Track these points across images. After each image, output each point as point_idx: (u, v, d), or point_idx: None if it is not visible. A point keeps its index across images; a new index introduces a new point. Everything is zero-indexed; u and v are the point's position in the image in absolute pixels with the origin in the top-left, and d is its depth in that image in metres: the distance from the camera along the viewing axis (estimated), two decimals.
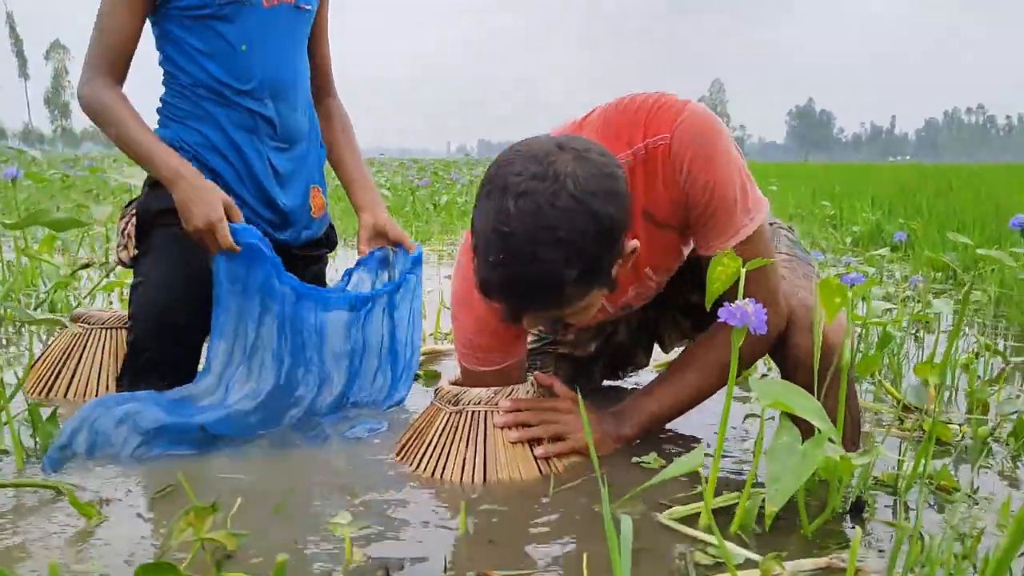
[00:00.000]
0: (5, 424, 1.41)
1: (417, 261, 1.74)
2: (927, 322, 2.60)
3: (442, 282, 3.39)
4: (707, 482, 1.13)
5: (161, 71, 1.67)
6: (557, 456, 1.35)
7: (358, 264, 1.75)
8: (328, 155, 1.86)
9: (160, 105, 1.68)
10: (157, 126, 1.66)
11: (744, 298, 1.11)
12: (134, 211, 1.67)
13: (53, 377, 1.75)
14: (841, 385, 1.24)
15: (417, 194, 7.16)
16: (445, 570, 1.00)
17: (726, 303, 1.09)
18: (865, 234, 5.10)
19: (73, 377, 1.74)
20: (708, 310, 1.17)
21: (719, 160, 1.23)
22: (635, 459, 1.39)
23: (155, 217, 1.63)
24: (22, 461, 1.34)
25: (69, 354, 1.77)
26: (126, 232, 1.65)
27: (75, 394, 1.73)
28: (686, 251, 1.40)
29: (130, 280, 1.68)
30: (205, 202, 1.48)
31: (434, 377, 1.99)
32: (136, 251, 1.65)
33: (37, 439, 1.40)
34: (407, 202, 6.76)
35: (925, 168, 12.89)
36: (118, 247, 1.69)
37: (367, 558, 1.03)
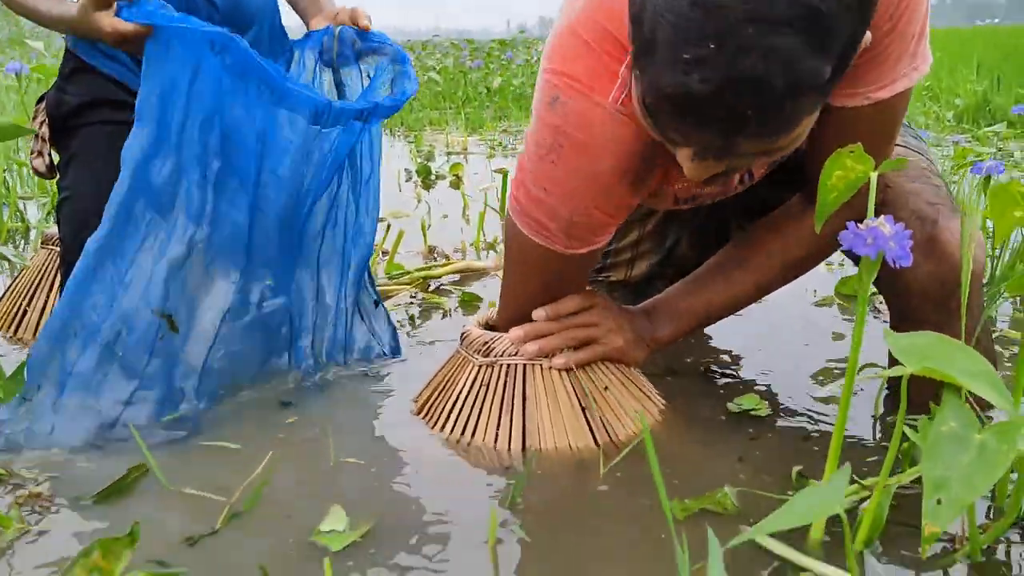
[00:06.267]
0: None
1: (399, 61, 1.20)
2: None
3: (493, 177, 2.98)
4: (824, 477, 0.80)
5: None
6: (579, 364, 1.03)
7: (301, 41, 1.26)
8: None
9: None
10: None
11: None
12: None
13: (22, 310, 1.49)
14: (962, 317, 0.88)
15: (469, 77, 6.67)
16: None
17: (850, 222, 0.72)
18: (971, 107, 4.49)
19: (45, 307, 1.48)
20: (818, 229, 0.80)
21: None
22: (728, 405, 1.07)
23: (74, 114, 1.29)
24: None
25: (42, 279, 1.50)
26: (40, 135, 1.32)
27: None
28: None
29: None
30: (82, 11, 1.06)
31: (472, 304, 1.65)
32: (55, 158, 1.32)
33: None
34: (459, 87, 6.30)
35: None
36: (32, 155, 1.35)
37: None
